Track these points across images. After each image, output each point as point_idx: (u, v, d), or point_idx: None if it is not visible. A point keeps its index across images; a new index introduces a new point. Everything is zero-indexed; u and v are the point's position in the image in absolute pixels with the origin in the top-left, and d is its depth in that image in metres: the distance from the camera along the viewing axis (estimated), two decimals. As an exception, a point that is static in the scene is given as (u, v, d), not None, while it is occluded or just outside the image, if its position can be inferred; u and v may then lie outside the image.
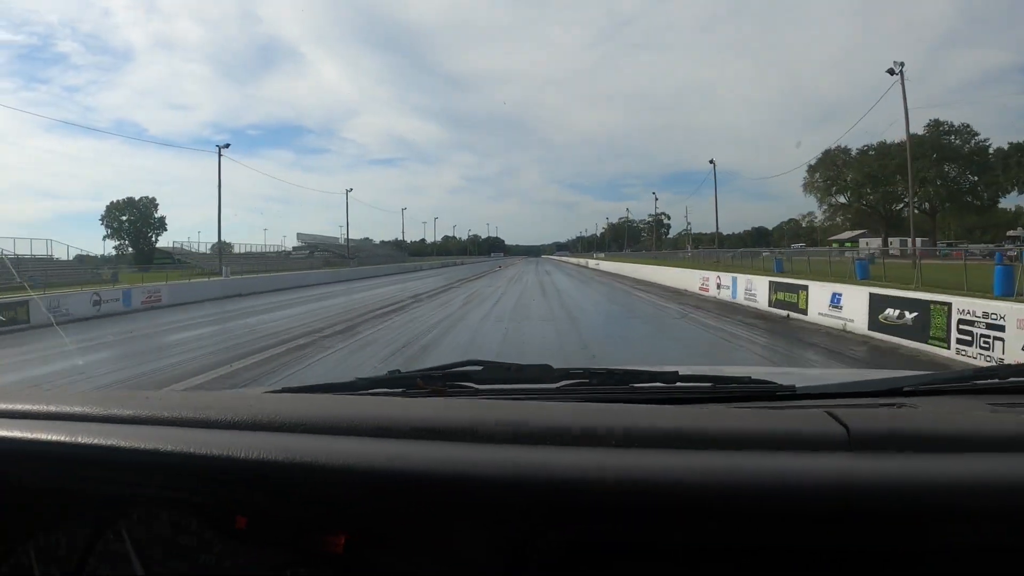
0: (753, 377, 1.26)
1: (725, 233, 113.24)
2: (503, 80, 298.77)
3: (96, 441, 0.75)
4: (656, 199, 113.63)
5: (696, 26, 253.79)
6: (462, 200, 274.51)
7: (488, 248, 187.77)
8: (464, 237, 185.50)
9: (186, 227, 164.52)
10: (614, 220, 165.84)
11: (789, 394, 1.19)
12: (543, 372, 1.26)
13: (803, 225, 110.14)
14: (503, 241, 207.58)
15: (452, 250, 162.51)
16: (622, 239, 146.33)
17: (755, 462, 0.63)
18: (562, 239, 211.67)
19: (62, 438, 0.76)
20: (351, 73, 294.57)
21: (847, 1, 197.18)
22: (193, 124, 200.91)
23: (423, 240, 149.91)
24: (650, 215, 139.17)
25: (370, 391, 1.23)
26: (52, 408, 0.86)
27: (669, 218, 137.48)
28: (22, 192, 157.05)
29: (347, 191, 76.37)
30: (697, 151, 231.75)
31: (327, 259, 71.32)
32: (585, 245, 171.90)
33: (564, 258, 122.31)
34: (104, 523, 0.78)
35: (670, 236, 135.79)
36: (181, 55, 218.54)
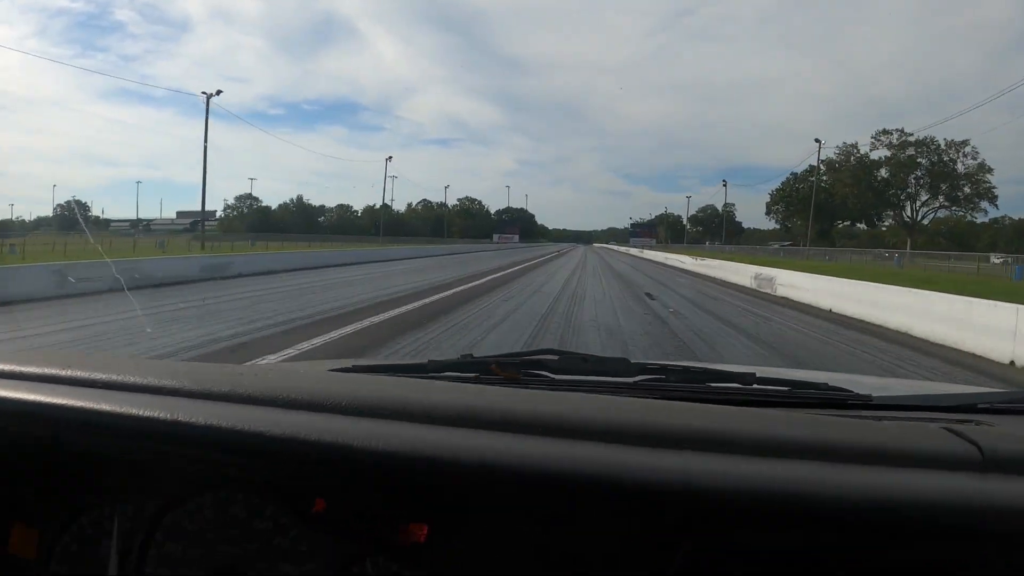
0: (830, 384, 1.23)
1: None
2: (561, 65, 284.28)
3: (170, 416, 0.71)
4: (726, 186, 77.43)
5: (756, 18, 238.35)
6: (516, 183, 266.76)
7: (504, 229, 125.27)
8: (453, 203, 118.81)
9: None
10: (672, 206, 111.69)
11: (864, 404, 1.18)
12: (620, 365, 1.23)
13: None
14: (532, 216, 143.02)
15: (417, 229, 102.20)
16: (795, 207, 71.76)
17: (894, 478, 0.61)
18: (617, 227, 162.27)
19: (132, 410, 0.72)
20: (408, 51, 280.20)
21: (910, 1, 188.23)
22: (249, 97, 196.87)
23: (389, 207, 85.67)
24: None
25: (442, 374, 1.19)
26: (121, 377, 0.81)
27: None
28: (80, 158, 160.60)
29: (387, 159, 63.72)
30: (754, 146, 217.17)
31: None
32: (673, 229, 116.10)
33: (669, 256, 44.92)
34: (175, 499, 0.74)
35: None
36: (238, 27, 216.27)
